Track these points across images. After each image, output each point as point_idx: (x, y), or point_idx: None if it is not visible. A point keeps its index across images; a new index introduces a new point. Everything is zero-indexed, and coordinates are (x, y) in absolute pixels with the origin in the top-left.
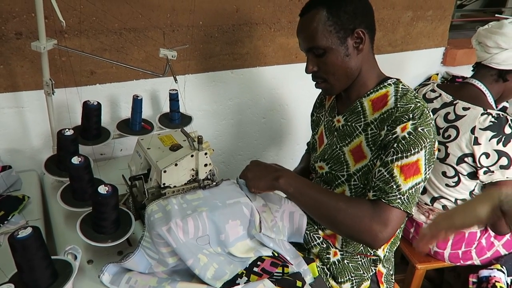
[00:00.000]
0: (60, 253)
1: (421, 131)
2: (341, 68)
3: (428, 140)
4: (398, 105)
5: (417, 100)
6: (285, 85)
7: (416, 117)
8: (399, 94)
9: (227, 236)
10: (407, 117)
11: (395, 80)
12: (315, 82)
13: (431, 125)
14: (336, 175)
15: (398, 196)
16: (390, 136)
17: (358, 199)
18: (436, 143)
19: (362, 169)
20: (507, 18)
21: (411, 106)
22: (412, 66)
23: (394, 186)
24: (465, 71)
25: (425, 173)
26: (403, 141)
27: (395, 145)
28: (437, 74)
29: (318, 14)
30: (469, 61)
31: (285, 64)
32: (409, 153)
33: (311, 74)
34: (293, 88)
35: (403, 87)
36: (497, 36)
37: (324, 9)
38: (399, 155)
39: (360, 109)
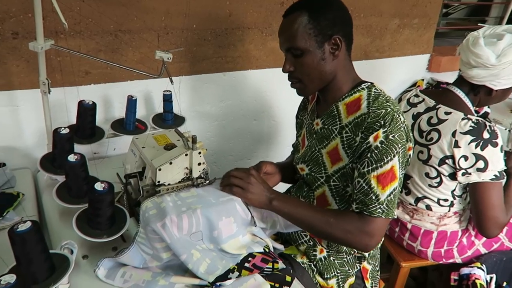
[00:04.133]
0: (54, 249)
1: (392, 138)
2: (315, 70)
3: (400, 145)
4: (370, 110)
5: (388, 104)
6: (275, 88)
7: (387, 124)
8: (371, 98)
9: (220, 233)
10: (378, 124)
11: (369, 84)
12: (290, 82)
13: (401, 128)
14: (315, 176)
15: (378, 206)
16: (365, 146)
17: (345, 213)
18: (409, 143)
19: (340, 170)
20: (488, 26)
21: (381, 112)
22: (399, 71)
23: (373, 197)
24: (450, 77)
25: (401, 175)
26: (376, 151)
27: (368, 155)
28: (423, 80)
29: (300, 17)
30: (453, 68)
31: (276, 68)
32: (382, 163)
33: (287, 74)
34: (283, 91)
35: (375, 91)
36: (469, 53)
37: (306, 13)
38: (374, 165)
39: (336, 112)
